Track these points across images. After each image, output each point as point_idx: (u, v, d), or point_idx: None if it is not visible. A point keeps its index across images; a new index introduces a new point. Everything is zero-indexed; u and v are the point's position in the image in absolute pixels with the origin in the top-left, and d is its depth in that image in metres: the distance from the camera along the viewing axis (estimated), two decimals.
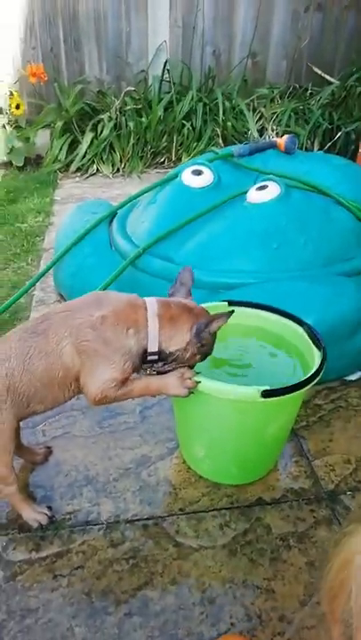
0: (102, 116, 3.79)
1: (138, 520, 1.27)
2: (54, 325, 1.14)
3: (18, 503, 1.25)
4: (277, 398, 1.13)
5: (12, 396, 1.13)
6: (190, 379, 1.15)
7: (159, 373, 1.19)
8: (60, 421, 1.56)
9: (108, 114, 3.79)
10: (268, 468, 1.39)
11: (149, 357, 1.15)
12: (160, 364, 1.18)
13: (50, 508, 1.27)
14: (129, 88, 3.97)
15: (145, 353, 1.14)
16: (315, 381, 1.18)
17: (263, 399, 1.12)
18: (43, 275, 2.11)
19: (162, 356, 1.15)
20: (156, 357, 1.15)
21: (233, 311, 1.20)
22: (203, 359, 1.21)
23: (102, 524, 1.26)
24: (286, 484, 1.36)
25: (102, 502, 1.31)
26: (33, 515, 1.25)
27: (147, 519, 1.27)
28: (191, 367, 1.19)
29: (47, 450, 1.45)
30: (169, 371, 1.18)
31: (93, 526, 1.25)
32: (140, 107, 3.85)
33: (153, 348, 1.13)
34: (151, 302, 1.16)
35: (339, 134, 3.70)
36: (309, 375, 1.18)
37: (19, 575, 1.15)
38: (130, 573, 1.15)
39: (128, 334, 1.12)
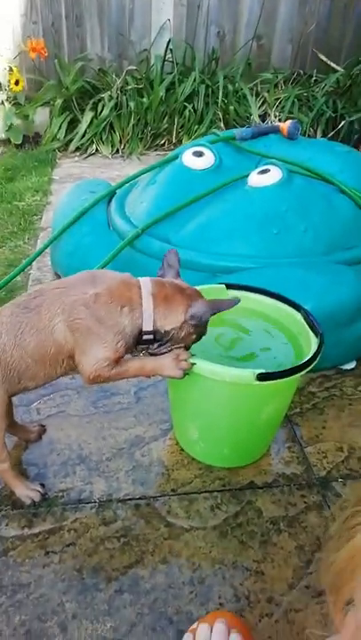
0: (103, 95, 3.74)
1: (130, 499, 1.27)
2: (47, 302, 1.13)
3: (11, 480, 1.25)
4: (273, 382, 1.13)
5: (3, 371, 1.13)
6: (185, 360, 1.14)
7: (152, 355, 1.19)
8: (54, 400, 1.56)
9: (108, 93, 3.74)
10: (261, 452, 1.40)
11: (145, 337, 1.14)
12: (155, 344, 1.18)
13: (43, 485, 1.28)
14: (130, 67, 3.91)
15: (140, 333, 1.13)
16: (311, 366, 1.18)
17: (258, 382, 1.11)
18: (39, 253, 2.09)
19: (157, 335, 1.15)
20: (151, 337, 1.14)
21: (239, 300, 1.17)
22: (198, 339, 1.21)
23: (95, 502, 1.26)
24: (278, 469, 1.37)
25: (95, 481, 1.31)
26: (26, 491, 1.25)
27: (139, 499, 1.27)
28: (187, 348, 1.19)
29: (41, 428, 1.44)
30: (164, 352, 1.18)
31: (86, 504, 1.25)
32: (141, 87, 3.79)
33: (148, 327, 1.13)
34: (145, 281, 1.15)
35: (342, 123, 3.67)
36: (306, 360, 1.18)
37: (11, 551, 1.15)
38: (121, 551, 1.15)
39: (122, 313, 1.11)
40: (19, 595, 1.07)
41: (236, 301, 1.17)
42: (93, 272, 1.23)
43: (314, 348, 1.23)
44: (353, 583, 0.57)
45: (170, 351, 1.17)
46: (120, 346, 1.11)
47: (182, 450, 1.40)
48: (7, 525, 1.20)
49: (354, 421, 1.53)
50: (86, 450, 1.40)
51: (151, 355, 1.19)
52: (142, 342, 1.16)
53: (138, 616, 1.04)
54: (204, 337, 1.23)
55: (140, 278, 1.16)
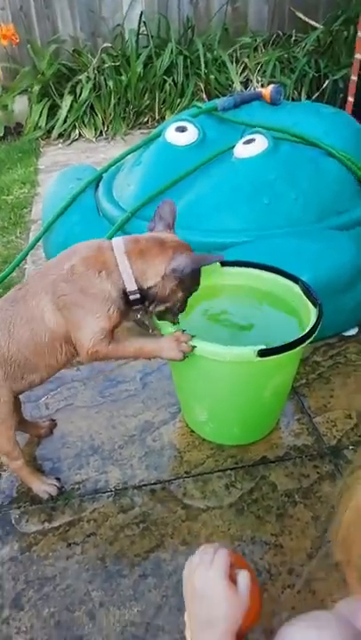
0: (80, 77, 3.66)
1: (145, 485, 1.29)
2: (31, 289, 1.13)
3: (26, 476, 1.27)
4: (274, 357, 1.13)
5: (4, 368, 1.13)
6: (186, 342, 1.14)
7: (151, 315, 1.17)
8: (61, 393, 1.57)
9: (85, 74, 3.66)
10: (271, 427, 1.41)
11: (132, 297, 1.10)
12: (147, 304, 1.14)
13: (58, 479, 1.29)
14: (105, 44, 3.82)
15: (125, 295, 1.10)
16: (311, 338, 1.18)
17: (260, 359, 1.11)
18: (32, 247, 2.07)
19: (142, 293, 1.11)
20: (138, 296, 1.11)
21: (223, 256, 1.17)
22: (188, 296, 1.18)
23: (111, 491, 1.28)
24: (289, 442, 1.38)
25: (109, 470, 1.33)
26: (42, 487, 1.27)
27: (154, 484, 1.29)
28: (181, 309, 1.18)
29: (52, 422, 1.46)
30: (160, 312, 1.16)
31: (102, 494, 1.27)
32: (118, 64, 3.71)
33: (131, 286, 1.09)
34: (117, 242, 1.12)
35: (326, 83, 3.58)
36: (306, 332, 1.17)
37: (34, 546, 1.17)
38: (141, 537, 1.17)
39: (101, 278, 1.08)
40: (45, 588, 1.09)
41: (220, 256, 1.16)
42: (73, 247, 1.19)
43: (313, 318, 1.22)
44: (360, 541, 0.57)
45: (165, 310, 1.16)
46: (112, 312, 1.10)
47: (192, 431, 1.41)
48: (27, 522, 1.22)
49: (360, 387, 1.53)
50: (98, 440, 1.41)
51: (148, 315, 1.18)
52: (133, 303, 1.12)
53: (163, 598, 1.06)
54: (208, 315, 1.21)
55: (113, 239, 1.13)
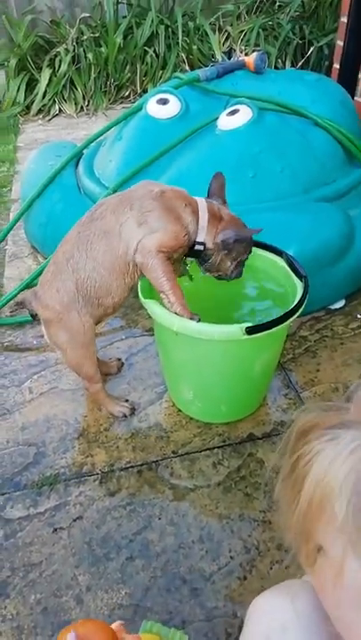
0: (59, 49, 3.53)
1: (132, 467, 1.27)
2: (111, 206, 1.17)
3: (103, 399, 1.37)
4: (262, 333, 1.10)
5: (82, 292, 1.18)
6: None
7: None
8: (45, 377, 1.53)
9: (64, 46, 3.53)
10: (258, 403, 1.39)
11: (196, 247, 1.20)
12: (201, 262, 1.25)
13: (127, 400, 1.41)
14: (84, 14, 3.67)
15: (194, 242, 1.19)
16: (299, 312, 1.15)
17: (247, 336, 1.08)
18: (11, 228, 2.02)
19: (204, 250, 1.20)
20: (201, 248, 1.20)
21: (261, 229, 1.22)
22: (240, 264, 1.26)
23: (97, 474, 1.26)
24: (277, 418, 1.36)
25: (95, 453, 1.31)
26: (117, 407, 1.37)
27: (141, 465, 1.27)
28: (237, 277, 1.27)
29: (119, 362, 1.53)
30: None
31: (88, 477, 1.25)
32: (97, 35, 3.58)
33: (201, 237, 1.19)
34: (200, 199, 1.21)
35: (311, 50, 3.49)
36: (292, 307, 1.14)
37: (19, 532, 1.15)
38: (128, 519, 1.16)
39: (186, 210, 1.16)
40: (31, 574, 1.07)
41: (259, 229, 1.23)
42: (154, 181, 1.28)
43: (299, 292, 1.19)
44: (324, 516, 0.50)
45: (219, 277, 1.26)
46: (184, 238, 1.16)
47: (179, 411, 1.39)
48: (12, 507, 1.20)
49: (347, 360, 1.51)
50: (83, 423, 1.39)
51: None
52: (192, 253, 1.22)
53: (151, 580, 1.05)
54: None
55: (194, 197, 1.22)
